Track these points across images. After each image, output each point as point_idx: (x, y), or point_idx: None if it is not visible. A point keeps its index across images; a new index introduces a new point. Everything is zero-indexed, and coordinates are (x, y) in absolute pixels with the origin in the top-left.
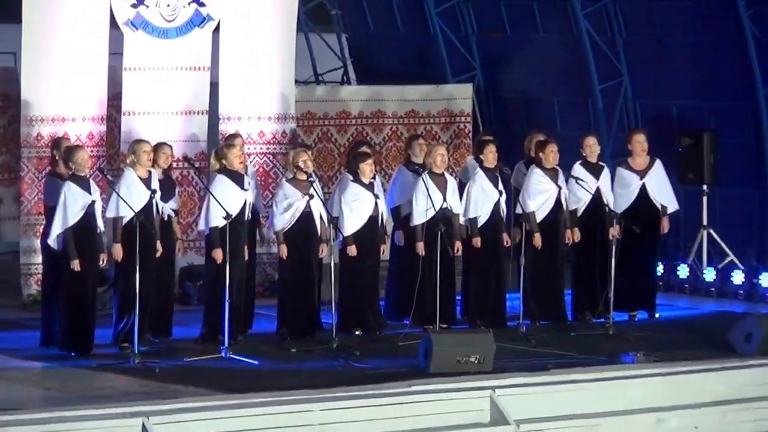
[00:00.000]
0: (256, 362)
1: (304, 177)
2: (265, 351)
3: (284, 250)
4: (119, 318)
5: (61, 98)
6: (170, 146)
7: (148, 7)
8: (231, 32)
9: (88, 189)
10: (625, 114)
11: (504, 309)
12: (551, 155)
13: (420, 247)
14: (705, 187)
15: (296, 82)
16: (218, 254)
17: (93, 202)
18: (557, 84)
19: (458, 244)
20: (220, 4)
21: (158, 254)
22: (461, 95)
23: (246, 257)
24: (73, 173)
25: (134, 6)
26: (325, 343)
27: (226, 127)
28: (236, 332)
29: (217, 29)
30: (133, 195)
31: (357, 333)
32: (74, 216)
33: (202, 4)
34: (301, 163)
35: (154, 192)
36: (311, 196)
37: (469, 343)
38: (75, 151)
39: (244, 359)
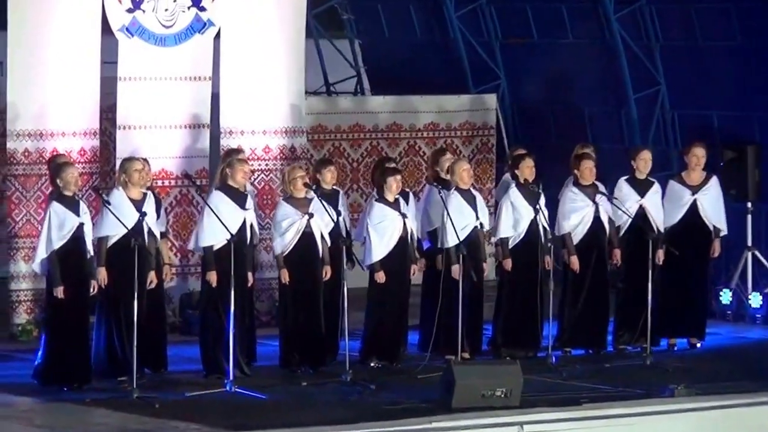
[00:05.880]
0: (263, 396)
1: (302, 194)
2: (272, 384)
3: (285, 275)
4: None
5: (50, 111)
6: (147, 161)
7: (144, 12)
8: (233, 38)
9: (76, 210)
10: (662, 125)
11: (537, 338)
12: (586, 171)
13: (455, 270)
14: (749, 204)
15: (306, 92)
16: (212, 277)
17: (81, 225)
18: (588, 93)
19: (485, 267)
20: (222, 9)
21: (153, 284)
22: (484, 106)
23: (251, 281)
24: (60, 193)
25: (130, 11)
26: (338, 375)
27: (228, 142)
28: (242, 363)
29: (218, 36)
30: (120, 217)
31: (372, 364)
32: (59, 239)
33: (202, 9)
34: (298, 180)
35: (143, 215)
36: (311, 215)
37: (495, 375)
38: (63, 168)
39: (250, 393)
